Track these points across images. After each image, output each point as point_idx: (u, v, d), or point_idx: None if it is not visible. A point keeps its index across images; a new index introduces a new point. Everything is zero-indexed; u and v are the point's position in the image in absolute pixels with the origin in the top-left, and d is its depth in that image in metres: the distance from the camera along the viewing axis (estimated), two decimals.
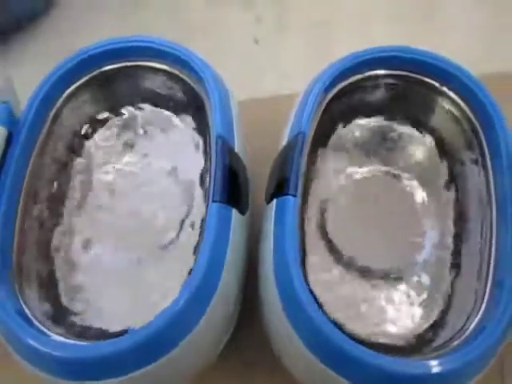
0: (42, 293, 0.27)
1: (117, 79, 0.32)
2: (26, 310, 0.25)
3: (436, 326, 0.27)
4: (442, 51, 0.31)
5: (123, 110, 0.33)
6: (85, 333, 0.26)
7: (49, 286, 0.28)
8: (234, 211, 0.26)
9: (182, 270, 0.27)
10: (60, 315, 0.27)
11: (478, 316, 0.25)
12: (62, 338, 0.24)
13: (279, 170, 0.27)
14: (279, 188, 0.26)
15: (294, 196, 0.25)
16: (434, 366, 0.22)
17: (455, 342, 0.24)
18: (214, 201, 0.25)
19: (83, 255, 0.29)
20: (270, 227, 0.26)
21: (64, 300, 0.28)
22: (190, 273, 0.26)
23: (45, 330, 0.24)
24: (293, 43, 0.64)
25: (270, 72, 0.60)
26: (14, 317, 0.23)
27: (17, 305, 0.24)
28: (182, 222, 0.30)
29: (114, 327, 0.27)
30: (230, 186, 0.26)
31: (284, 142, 0.29)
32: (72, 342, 0.24)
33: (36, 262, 0.28)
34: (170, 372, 0.25)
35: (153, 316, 0.25)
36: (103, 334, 0.26)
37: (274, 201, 0.26)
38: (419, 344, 0.26)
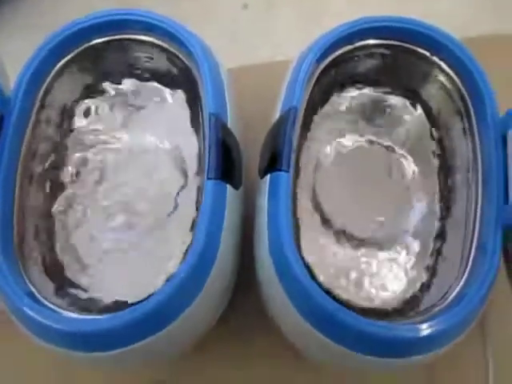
0: (45, 270, 0.28)
1: (106, 53, 0.32)
2: (32, 288, 0.25)
3: (421, 292, 0.28)
4: (430, 16, 0.31)
5: (114, 85, 0.33)
6: (89, 306, 0.27)
7: (51, 263, 0.28)
8: (229, 187, 0.27)
9: (179, 244, 0.28)
10: (64, 290, 0.28)
11: (462, 282, 0.26)
12: (69, 313, 0.25)
13: (272, 144, 0.28)
14: (272, 162, 0.27)
15: (287, 172, 0.26)
16: (419, 330, 0.23)
17: (437, 308, 0.26)
18: (208, 178, 0.26)
19: (81, 230, 0.30)
20: (264, 202, 0.27)
21: (67, 275, 0.28)
22: (187, 247, 0.27)
23: (51, 306, 0.25)
24: (284, 9, 0.63)
25: (261, 38, 0.59)
26: (23, 297, 0.24)
27: (23, 283, 0.25)
28: (177, 196, 0.30)
29: (117, 299, 0.28)
30: (224, 162, 0.26)
31: (277, 116, 0.29)
32: (80, 316, 0.25)
33: (36, 240, 0.28)
34: (173, 340, 0.26)
35: (154, 289, 0.26)
36: (107, 307, 0.27)
37: (268, 176, 0.27)
38: (404, 309, 0.28)
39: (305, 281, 0.24)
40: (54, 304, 0.25)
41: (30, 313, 0.24)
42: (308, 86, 0.29)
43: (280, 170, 0.26)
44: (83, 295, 0.28)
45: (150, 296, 0.24)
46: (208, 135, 0.26)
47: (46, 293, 0.26)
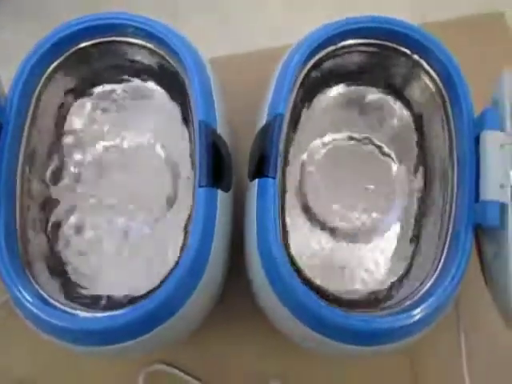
0: (49, 272, 0.30)
1: (96, 55, 0.32)
2: (41, 291, 0.27)
3: (399, 282, 0.30)
4: None
5: (105, 87, 0.34)
6: (92, 304, 0.29)
7: (55, 265, 0.30)
8: (219, 191, 0.28)
9: (172, 245, 0.30)
10: (69, 290, 0.30)
11: (436, 274, 0.28)
12: (76, 311, 0.27)
13: (259, 148, 0.29)
14: (260, 166, 0.28)
15: (274, 178, 0.27)
16: (396, 320, 0.26)
17: (413, 298, 0.28)
18: (200, 186, 0.27)
19: (79, 231, 0.32)
20: (252, 204, 0.28)
21: (70, 276, 0.30)
22: (180, 248, 0.29)
23: (59, 306, 0.27)
24: None
25: (252, 25, 0.58)
26: (34, 300, 0.26)
27: (31, 286, 0.27)
28: (169, 198, 0.32)
29: (120, 296, 0.30)
30: (214, 169, 0.28)
31: (263, 119, 0.30)
32: (87, 314, 0.27)
33: (38, 244, 0.30)
34: (176, 329, 0.28)
35: (150, 285, 0.29)
36: (106, 305, 0.29)
37: (256, 181, 0.28)
38: (382, 298, 0.30)
39: (290, 280, 0.26)
40: (61, 303, 0.28)
41: (42, 315, 0.26)
42: (294, 88, 0.30)
43: (267, 177, 0.27)
44: (85, 294, 0.30)
45: (146, 295, 0.26)
46: (198, 142, 0.28)
47: (53, 293, 0.28)
